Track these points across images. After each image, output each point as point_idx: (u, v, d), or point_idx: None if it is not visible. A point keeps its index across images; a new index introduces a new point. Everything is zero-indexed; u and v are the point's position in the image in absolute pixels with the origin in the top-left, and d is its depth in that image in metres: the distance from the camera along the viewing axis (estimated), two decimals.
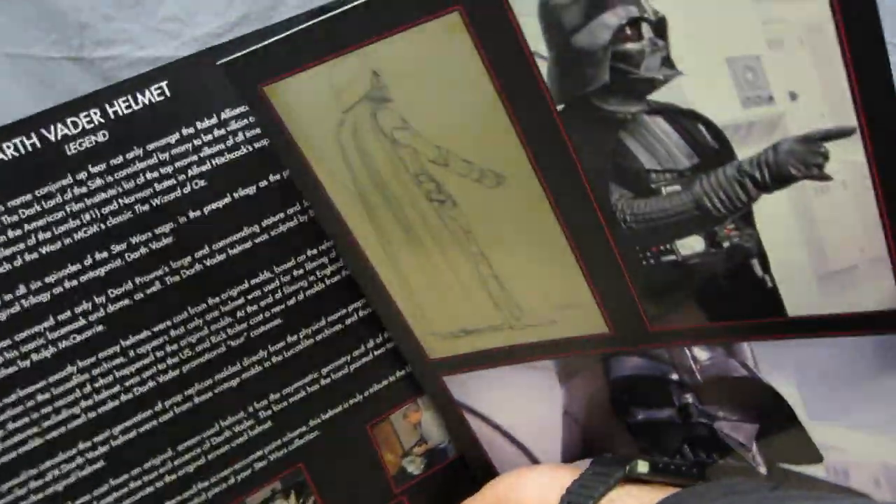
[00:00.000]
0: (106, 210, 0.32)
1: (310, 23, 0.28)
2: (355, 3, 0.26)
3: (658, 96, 0.26)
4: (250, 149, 0.34)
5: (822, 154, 0.25)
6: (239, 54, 0.29)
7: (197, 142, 0.33)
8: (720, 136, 0.26)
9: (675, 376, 0.33)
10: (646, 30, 0.25)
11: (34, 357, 0.32)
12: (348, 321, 0.37)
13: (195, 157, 0.33)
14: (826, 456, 0.32)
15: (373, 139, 0.30)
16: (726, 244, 0.29)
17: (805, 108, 0.25)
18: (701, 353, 0.32)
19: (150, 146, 0.32)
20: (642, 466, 0.31)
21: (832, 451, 0.32)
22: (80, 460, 0.33)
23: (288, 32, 0.28)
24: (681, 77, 0.26)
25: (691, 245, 0.29)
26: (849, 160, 0.25)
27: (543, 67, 0.27)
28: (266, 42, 0.28)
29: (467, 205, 0.31)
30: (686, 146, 0.27)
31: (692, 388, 0.33)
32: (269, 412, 0.36)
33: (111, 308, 0.32)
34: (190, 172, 0.33)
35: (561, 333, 0.33)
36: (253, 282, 0.35)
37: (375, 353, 0.38)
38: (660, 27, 0.25)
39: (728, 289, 0.29)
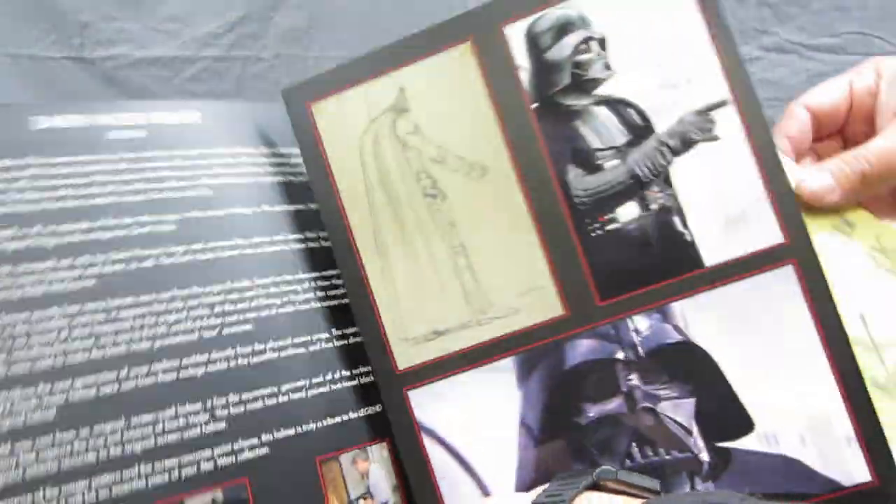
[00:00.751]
0: (126, 188, 0.38)
1: (359, 56, 0.41)
2: (396, 42, 0.41)
3: (601, 91, 0.40)
4: (252, 180, 0.41)
5: (711, 121, 0.39)
6: (297, 81, 0.42)
7: (211, 161, 0.41)
8: (644, 115, 0.40)
9: (620, 355, 0.40)
10: (593, 45, 0.40)
11: (27, 290, 0.35)
12: (311, 347, 0.41)
13: (208, 172, 0.40)
14: (756, 421, 0.39)
15: (388, 143, 0.41)
16: (654, 206, 0.40)
17: (697, 89, 0.40)
18: (641, 323, 0.40)
19: (175, 152, 0.40)
20: (609, 474, 0.34)
21: (761, 412, 0.39)
22: (34, 402, 0.33)
23: (340, 64, 0.41)
24: (616, 75, 0.40)
25: (629, 212, 0.40)
26: (729, 124, 0.39)
27: (524, 76, 0.40)
28: (320, 73, 0.41)
29: (455, 196, 0.41)
30: (621, 127, 0.40)
31: (636, 367, 0.40)
32: (226, 412, 0.38)
33: (107, 268, 0.37)
34: (201, 181, 0.40)
35: (523, 323, 0.40)
36: (234, 284, 0.40)
37: (333, 386, 0.41)
38: (602, 42, 0.40)
39: (658, 248, 0.40)
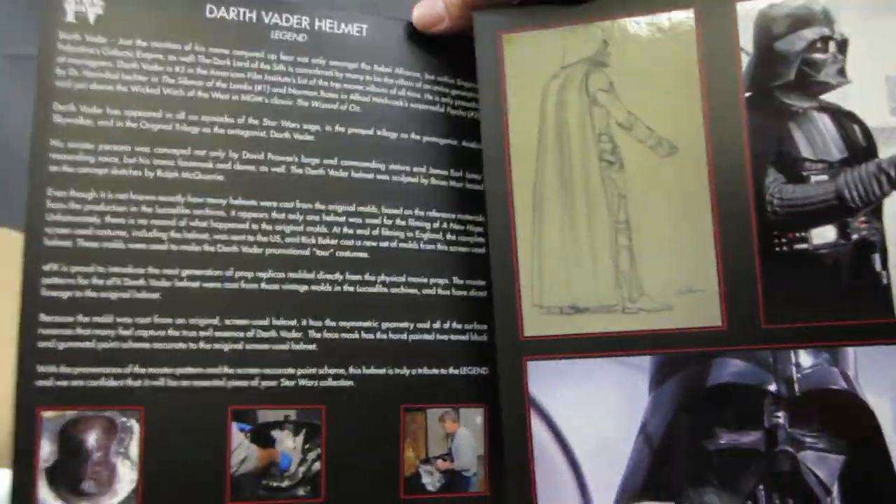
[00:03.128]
0: (275, 91, 0.37)
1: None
2: None
3: (827, 97, 0.35)
4: (406, 105, 0.39)
5: None
6: (492, 9, 0.38)
7: (367, 77, 0.38)
8: (869, 136, 0.34)
9: (773, 387, 0.34)
10: (832, 46, 0.35)
11: (158, 173, 0.35)
12: (425, 291, 0.38)
13: (361, 88, 0.38)
14: None
15: (576, 95, 0.37)
16: (855, 237, 0.33)
17: None
18: (805, 359, 0.34)
19: (333, 62, 0.38)
20: None
21: None
22: (141, 281, 0.34)
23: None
24: (849, 85, 0.34)
25: (824, 234, 0.34)
26: None
27: (744, 60, 0.35)
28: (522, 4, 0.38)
29: (634, 169, 0.36)
30: (840, 141, 0.34)
31: (787, 405, 0.34)
32: (319, 335, 0.36)
33: (237, 167, 0.36)
34: (351, 96, 0.38)
35: (673, 323, 0.35)
36: (358, 208, 0.37)
37: (439, 336, 0.38)
38: (842, 45, 0.35)
39: (847, 284, 0.33)
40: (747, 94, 0.35)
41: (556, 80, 0.38)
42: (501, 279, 0.38)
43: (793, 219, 0.34)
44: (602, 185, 0.37)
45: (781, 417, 0.33)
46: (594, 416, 0.36)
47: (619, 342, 0.36)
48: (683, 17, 0.36)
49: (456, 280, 0.39)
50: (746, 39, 0.35)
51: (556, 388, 0.37)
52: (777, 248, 0.34)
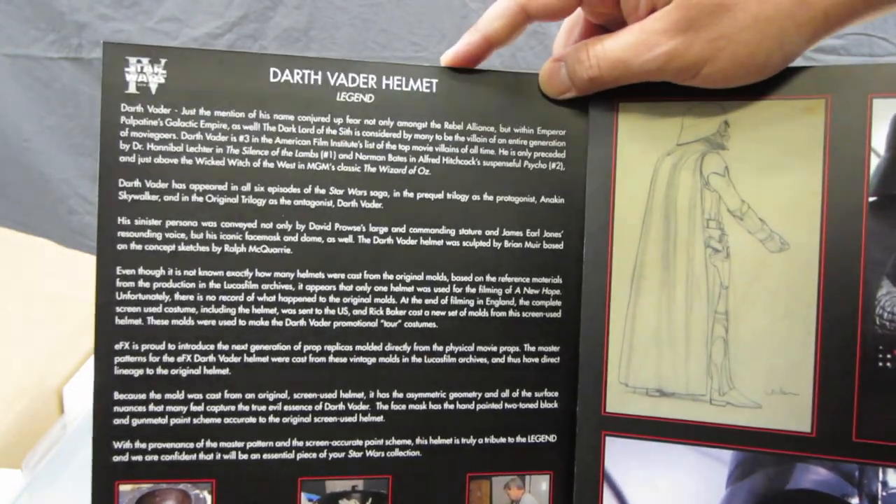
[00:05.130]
0: (342, 156, 0.35)
1: None
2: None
3: None
4: (478, 163, 0.36)
5: None
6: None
7: (437, 137, 0.35)
8: None
9: (855, 500, 0.32)
10: None
11: (226, 248, 0.34)
12: (494, 360, 0.36)
13: (430, 149, 0.36)
14: None
15: (689, 175, 0.35)
16: None
17: None
18: (894, 479, 0.32)
19: (401, 123, 0.35)
20: None
21: None
22: (211, 357, 0.34)
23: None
24: None
25: None
26: None
27: (873, 162, 0.33)
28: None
29: (740, 260, 0.35)
30: None
31: None
32: (386, 408, 0.35)
33: (304, 239, 0.35)
34: (420, 159, 0.35)
35: (760, 422, 0.34)
36: (427, 277, 0.36)
37: (507, 405, 0.37)
38: None
39: None
40: (871, 199, 0.32)
41: (669, 156, 0.36)
42: (589, 352, 0.37)
43: None
44: (705, 273, 0.35)
45: None
46: (667, 499, 0.35)
47: (702, 432, 0.34)
48: (812, 104, 0.33)
49: (528, 347, 0.37)
50: (879, 139, 0.32)
51: (632, 466, 0.36)
52: (880, 363, 0.31)
